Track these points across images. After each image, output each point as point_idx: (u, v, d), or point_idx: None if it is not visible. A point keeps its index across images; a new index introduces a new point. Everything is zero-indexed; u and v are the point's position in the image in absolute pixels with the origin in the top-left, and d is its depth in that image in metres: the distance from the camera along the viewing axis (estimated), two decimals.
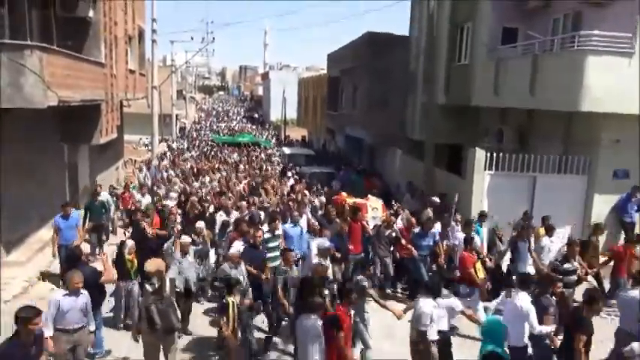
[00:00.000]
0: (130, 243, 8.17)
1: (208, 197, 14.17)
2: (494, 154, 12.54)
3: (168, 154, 28.32)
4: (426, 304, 6.54)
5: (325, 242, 8.73)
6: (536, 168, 12.49)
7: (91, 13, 13.68)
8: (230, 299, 6.63)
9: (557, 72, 11.82)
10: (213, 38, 34.70)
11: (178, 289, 7.95)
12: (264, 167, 23.84)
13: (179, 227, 10.66)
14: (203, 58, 54.82)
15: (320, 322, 5.76)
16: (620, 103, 11.00)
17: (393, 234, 10.58)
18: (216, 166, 23.01)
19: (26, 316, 4.89)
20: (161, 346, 6.40)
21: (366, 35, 22.37)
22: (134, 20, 19.67)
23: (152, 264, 6.90)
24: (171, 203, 12.90)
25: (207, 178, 18.82)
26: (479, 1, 14.96)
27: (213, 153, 29.24)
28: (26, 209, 11.97)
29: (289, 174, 21.00)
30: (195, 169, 21.13)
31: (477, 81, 14.84)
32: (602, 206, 12.36)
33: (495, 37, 14.55)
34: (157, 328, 6.13)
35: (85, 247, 10.93)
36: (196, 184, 17.58)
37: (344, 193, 13.77)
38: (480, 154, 12.62)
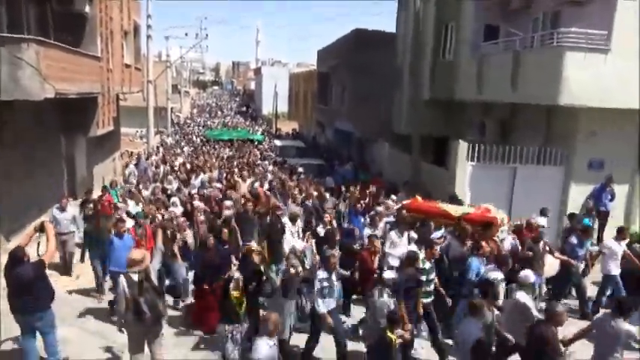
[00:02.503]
0: (237, 276, 6.91)
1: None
2: (477, 146, 12.97)
3: (161, 149, 28.01)
4: None
5: (531, 276, 6.91)
6: (517, 159, 12.94)
7: (87, 9, 13.97)
8: (393, 336, 5.76)
9: (537, 67, 12.23)
10: (207, 35, 35.21)
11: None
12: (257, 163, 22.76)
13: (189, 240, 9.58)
14: (197, 53, 55.09)
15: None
16: (596, 97, 11.46)
17: (547, 248, 9.26)
18: (208, 163, 21.81)
19: None
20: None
21: (353, 32, 22.80)
22: (129, 16, 19.96)
23: (138, 252, 6.51)
24: (177, 211, 11.20)
25: (206, 176, 16.95)
26: (463, 0, 15.43)
27: (205, 149, 29.15)
28: (25, 199, 12.24)
29: (300, 169, 19.34)
30: (188, 166, 19.68)
31: (461, 76, 15.31)
32: (578, 196, 12.88)
33: (478, 34, 15.02)
34: (146, 318, 5.98)
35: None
36: (195, 183, 15.78)
37: (419, 198, 10.95)
38: (463, 146, 13.05)
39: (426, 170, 15.57)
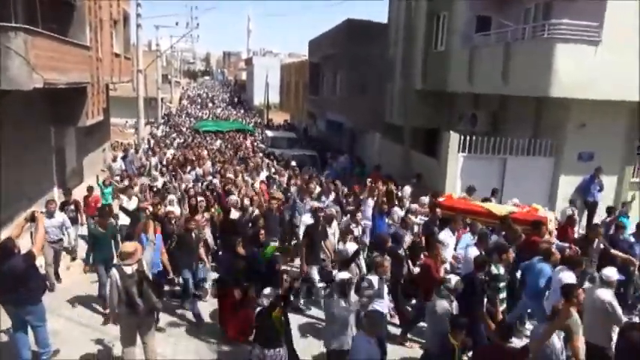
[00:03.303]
0: (269, 291, 5.94)
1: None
2: (468, 138, 13.07)
3: (152, 141, 27.20)
4: None
5: (615, 273, 6.31)
6: (507, 150, 13.08)
7: None
8: (456, 342, 5.46)
9: (528, 59, 12.30)
10: (198, 24, 34.96)
11: None
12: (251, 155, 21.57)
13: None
14: (188, 43, 54.71)
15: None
16: (587, 89, 11.54)
17: (601, 245, 8.67)
18: (200, 156, 20.11)
19: None
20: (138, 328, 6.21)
21: (345, 23, 22.68)
22: (119, 4, 19.74)
23: (130, 245, 6.36)
24: (174, 209, 10.18)
25: (200, 170, 16.22)
26: None
27: (196, 141, 28.40)
28: (15, 191, 12.12)
29: (293, 163, 18.37)
30: (181, 159, 18.66)
31: (453, 67, 15.33)
32: (567, 187, 13.01)
33: (470, 25, 15.04)
34: (139, 310, 5.94)
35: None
36: (189, 177, 14.99)
37: (453, 194, 10.97)
38: (454, 138, 13.15)
39: (418, 161, 15.62)
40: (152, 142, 26.61)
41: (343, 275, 5.96)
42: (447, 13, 16.04)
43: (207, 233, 9.09)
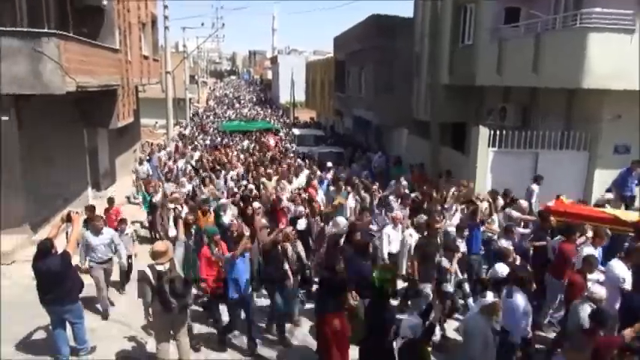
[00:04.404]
0: (416, 322, 5.26)
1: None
2: (498, 132, 12.81)
3: (179, 143, 26.57)
4: None
5: None
6: (539, 144, 12.75)
7: (105, 1, 14.06)
8: None
9: (559, 50, 11.94)
10: (223, 24, 35.36)
11: None
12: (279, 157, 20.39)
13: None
14: (214, 43, 55.29)
15: None
16: (621, 79, 11.13)
17: None
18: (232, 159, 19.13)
19: None
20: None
21: (370, 18, 22.47)
22: (147, 7, 20.09)
23: (162, 244, 6.39)
24: (227, 219, 9.48)
25: (234, 173, 15.30)
26: None
27: (225, 142, 27.57)
28: (50, 192, 12.49)
29: (329, 164, 16.80)
30: (209, 161, 17.92)
31: (481, 61, 15.00)
32: (603, 181, 12.62)
33: (498, 17, 14.67)
34: (173, 307, 6.06)
35: None
36: (231, 184, 14.01)
37: (564, 199, 9.94)
38: (484, 132, 12.88)
39: (446, 157, 15.42)
40: (180, 143, 26.43)
41: (491, 297, 5.52)
42: (473, 5, 15.71)
43: (299, 246, 7.95)
